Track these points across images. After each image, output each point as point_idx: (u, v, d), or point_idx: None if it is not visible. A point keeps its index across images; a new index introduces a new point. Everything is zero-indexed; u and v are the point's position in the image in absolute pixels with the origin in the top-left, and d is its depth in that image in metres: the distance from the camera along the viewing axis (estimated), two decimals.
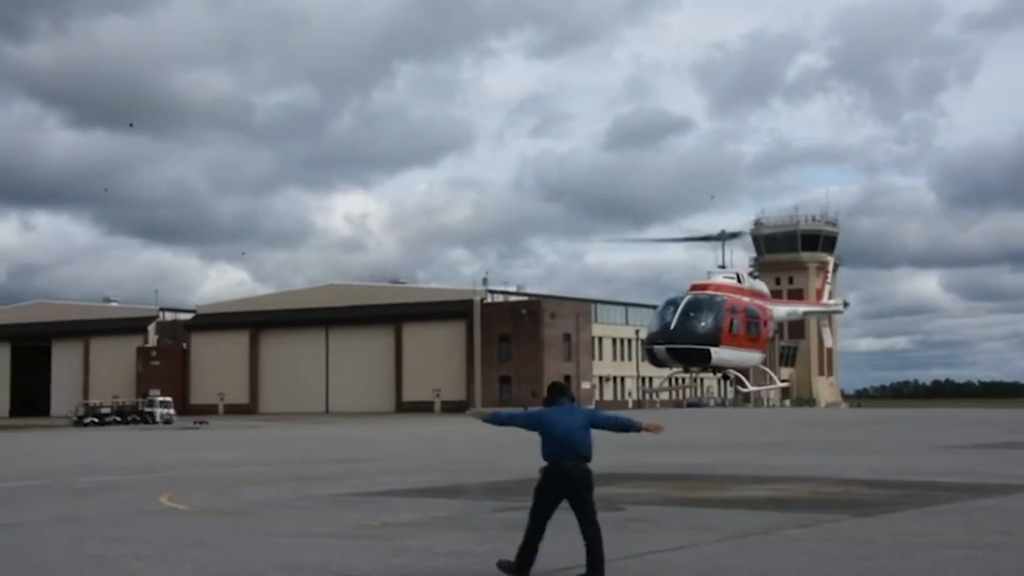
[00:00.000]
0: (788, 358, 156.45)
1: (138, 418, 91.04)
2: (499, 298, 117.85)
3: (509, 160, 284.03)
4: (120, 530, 15.90)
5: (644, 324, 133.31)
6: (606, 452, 35.29)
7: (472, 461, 32.50)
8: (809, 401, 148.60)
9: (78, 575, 11.87)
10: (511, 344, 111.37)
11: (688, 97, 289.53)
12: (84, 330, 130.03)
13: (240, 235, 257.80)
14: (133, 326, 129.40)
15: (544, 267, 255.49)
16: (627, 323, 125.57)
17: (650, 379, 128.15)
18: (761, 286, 27.45)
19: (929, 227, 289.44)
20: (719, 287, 25.11)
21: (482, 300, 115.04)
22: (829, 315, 35.20)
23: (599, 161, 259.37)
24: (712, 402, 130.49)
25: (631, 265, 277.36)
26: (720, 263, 26.43)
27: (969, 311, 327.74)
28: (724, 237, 26.53)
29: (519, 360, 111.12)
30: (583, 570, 10.75)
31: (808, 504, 18.00)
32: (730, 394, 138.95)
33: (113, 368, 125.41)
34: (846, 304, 36.58)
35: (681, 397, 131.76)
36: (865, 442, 42.16)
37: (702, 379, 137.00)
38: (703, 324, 23.46)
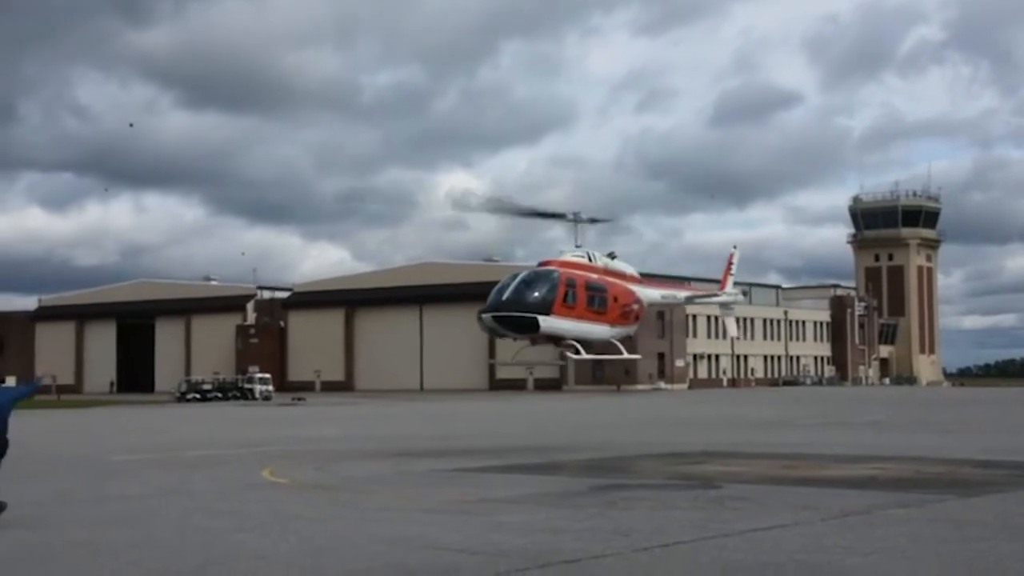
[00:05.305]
0: (888, 336, 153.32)
1: (238, 394, 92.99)
2: None
3: (611, 137, 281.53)
4: (224, 503, 16.28)
5: (738, 302, 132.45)
6: (699, 431, 35.12)
7: (567, 438, 32.57)
8: (909, 379, 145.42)
9: (185, 547, 12.17)
10: None
11: (798, 71, 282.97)
12: (186, 308, 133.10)
13: (342, 215, 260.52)
14: (232, 304, 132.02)
15: (644, 245, 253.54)
16: None
17: (745, 357, 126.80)
18: (622, 267, 28.12)
19: None
20: (564, 263, 25.82)
21: None
22: (730, 304, 34.55)
23: (703, 137, 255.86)
24: (808, 380, 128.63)
25: (730, 243, 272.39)
26: (576, 243, 27.16)
27: None
28: (578, 220, 27.28)
29: None
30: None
31: (911, 484, 17.63)
32: (827, 373, 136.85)
33: (213, 345, 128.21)
34: (744, 294, 36.38)
35: (776, 375, 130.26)
36: (968, 421, 41.19)
37: (797, 357, 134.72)
38: (534, 294, 24.35)
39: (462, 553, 11.25)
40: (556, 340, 26.17)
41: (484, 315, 25.07)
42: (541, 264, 27.02)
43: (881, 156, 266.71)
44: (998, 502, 15.29)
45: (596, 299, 26.19)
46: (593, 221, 28.12)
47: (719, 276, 34.89)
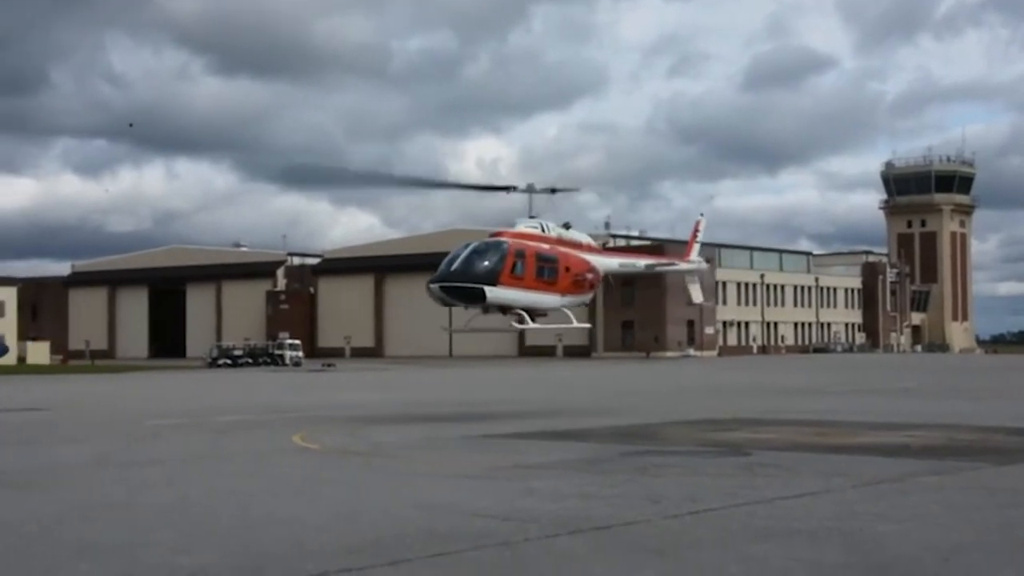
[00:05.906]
0: (920, 303, 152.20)
1: (268, 360, 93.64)
2: (622, 243, 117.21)
3: (643, 103, 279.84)
4: (256, 468, 16.41)
5: (769, 268, 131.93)
6: (729, 398, 35.04)
7: (596, 405, 32.60)
8: (941, 347, 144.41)
9: (218, 510, 12.27)
10: (634, 289, 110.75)
11: (831, 35, 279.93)
12: (216, 274, 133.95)
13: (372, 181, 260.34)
14: (262, 270, 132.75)
15: (673, 211, 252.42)
16: (752, 267, 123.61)
17: (775, 324, 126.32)
18: (577, 236, 28.35)
19: None
20: (517, 234, 26.01)
21: (604, 245, 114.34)
22: (693, 272, 34.07)
23: (734, 102, 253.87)
24: (839, 347, 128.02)
25: (760, 209, 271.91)
26: (530, 214, 27.28)
27: None
28: (532, 191, 27.36)
29: (642, 304, 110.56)
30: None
31: (944, 451, 17.51)
32: (858, 340, 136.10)
33: (244, 311, 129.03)
34: (708, 260, 36.04)
35: (807, 343, 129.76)
36: (1001, 389, 40.88)
37: (828, 324, 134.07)
38: (482, 265, 24.67)
39: (493, 519, 11.28)
40: (505, 309, 26.47)
41: (432, 285, 25.37)
42: (493, 235, 27.21)
43: (915, 121, 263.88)
44: None
45: (546, 269, 26.47)
46: (553, 191, 28.17)
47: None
